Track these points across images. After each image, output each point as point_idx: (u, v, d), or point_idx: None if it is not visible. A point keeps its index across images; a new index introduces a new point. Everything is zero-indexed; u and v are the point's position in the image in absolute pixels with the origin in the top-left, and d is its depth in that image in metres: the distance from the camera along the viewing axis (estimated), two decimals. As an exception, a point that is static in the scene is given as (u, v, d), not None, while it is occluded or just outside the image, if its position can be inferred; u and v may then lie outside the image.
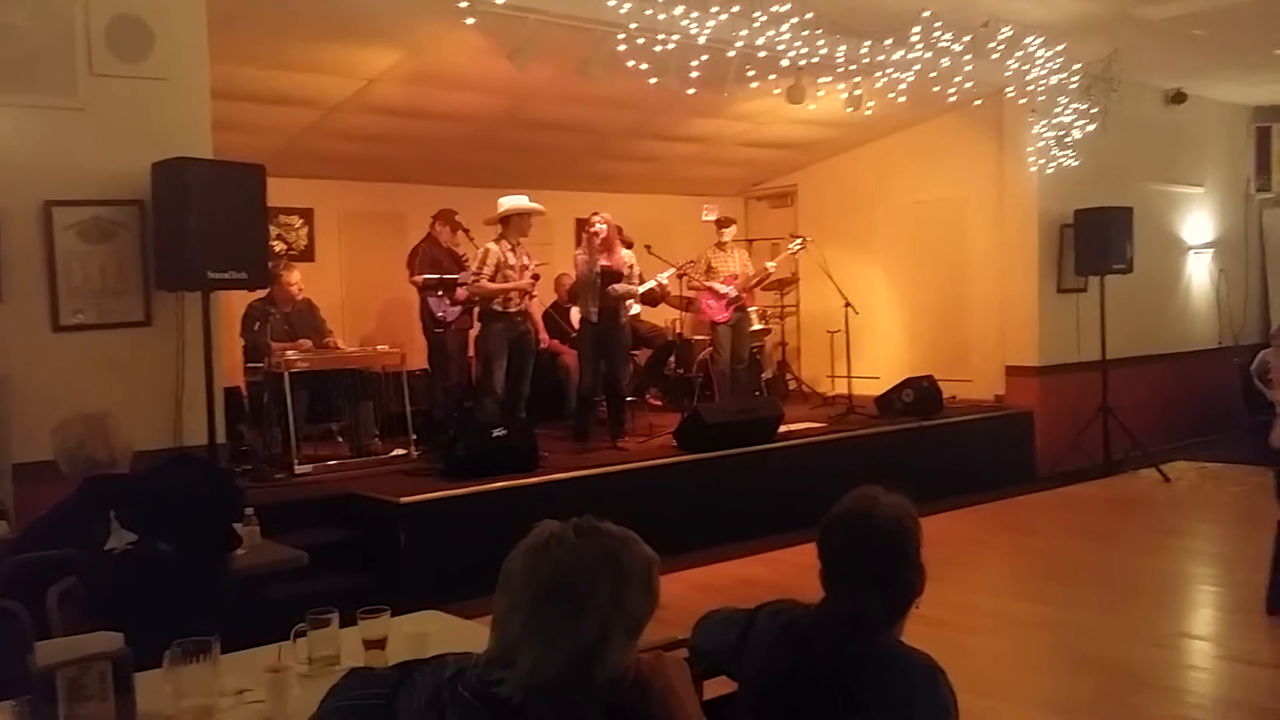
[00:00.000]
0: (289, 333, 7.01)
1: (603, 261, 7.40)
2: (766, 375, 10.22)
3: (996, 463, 8.76)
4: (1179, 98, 10.27)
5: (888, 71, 7.80)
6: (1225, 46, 8.64)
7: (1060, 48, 8.27)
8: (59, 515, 3.02)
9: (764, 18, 6.75)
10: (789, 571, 5.78)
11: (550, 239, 9.46)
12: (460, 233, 7.95)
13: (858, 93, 7.87)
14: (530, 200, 7.33)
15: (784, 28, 6.91)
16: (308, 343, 6.97)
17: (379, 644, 2.45)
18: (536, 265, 7.38)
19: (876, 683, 1.98)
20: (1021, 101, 8.77)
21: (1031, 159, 9.02)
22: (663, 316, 9.87)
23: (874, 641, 2.02)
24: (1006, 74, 8.43)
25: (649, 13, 6.42)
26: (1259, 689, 4.48)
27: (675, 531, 5.89)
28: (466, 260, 7.72)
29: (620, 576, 1.50)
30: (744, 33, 6.85)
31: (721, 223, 8.90)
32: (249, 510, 3.89)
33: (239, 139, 6.62)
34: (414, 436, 7.09)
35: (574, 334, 8.42)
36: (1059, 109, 8.88)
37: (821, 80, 7.75)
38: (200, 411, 5.12)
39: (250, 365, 6.94)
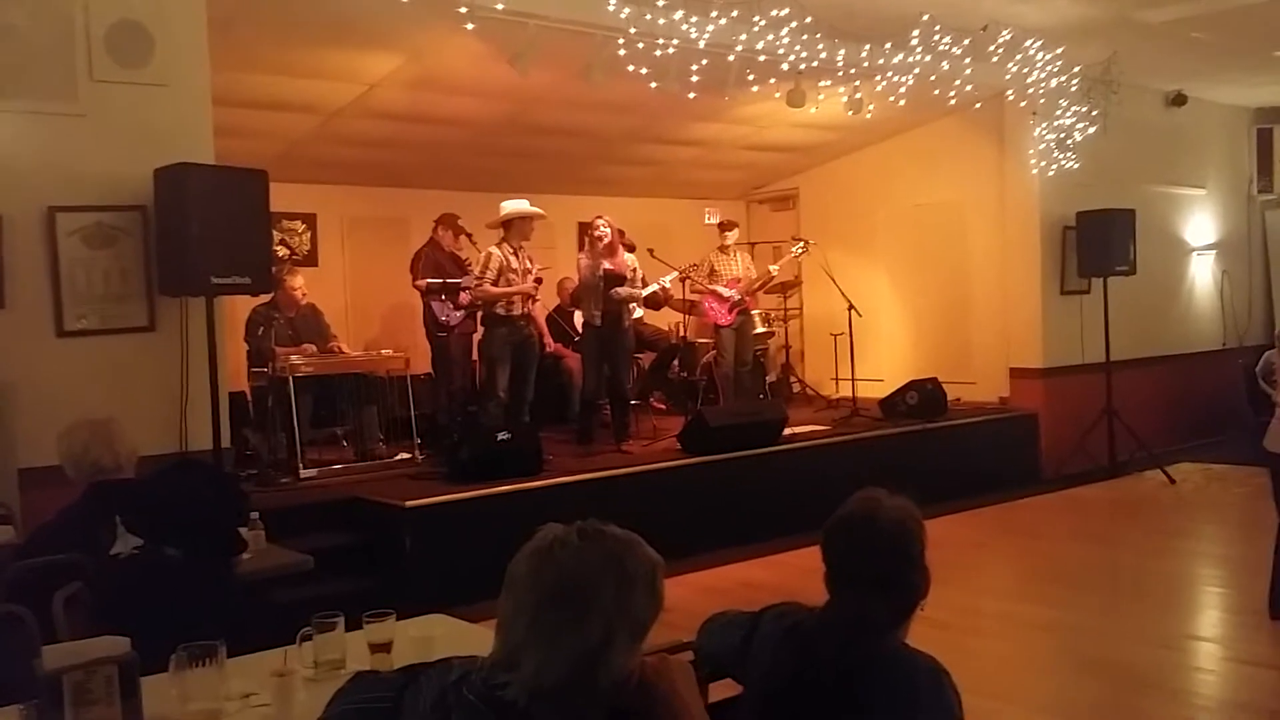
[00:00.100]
0: (293, 338, 7.02)
1: (606, 265, 7.40)
2: (770, 378, 10.23)
3: (1001, 465, 8.75)
4: (1179, 100, 10.27)
5: (888, 75, 7.81)
6: (1225, 49, 8.64)
7: (1059, 51, 8.28)
8: (65, 520, 3.03)
9: (763, 22, 6.76)
10: (793, 574, 5.78)
11: (553, 243, 9.47)
12: (463, 237, 7.96)
13: (858, 96, 7.88)
14: (532, 204, 7.34)
15: (783, 32, 6.92)
16: (312, 347, 6.97)
17: (384, 648, 2.46)
18: (539, 269, 7.39)
19: (881, 685, 1.98)
20: (1022, 104, 8.77)
21: (1033, 161, 9.02)
22: (666, 320, 9.87)
23: (878, 644, 2.02)
24: (1006, 77, 8.44)
25: (649, 17, 6.43)
26: (1265, 691, 4.47)
27: (680, 534, 5.90)
28: (469, 264, 7.73)
29: (624, 580, 1.50)
30: (744, 37, 6.86)
31: (724, 226, 8.91)
32: (254, 514, 3.89)
33: (241, 144, 6.64)
34: (418, 440, 7.10)
35: (577, 338, 8.43)
36: (1059, 112, 8.88)
37: (822, 84, 7.75)
38: (205, 416, 5.13)
39: (255, 370, 6.96)
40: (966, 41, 7.64)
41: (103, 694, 2.01)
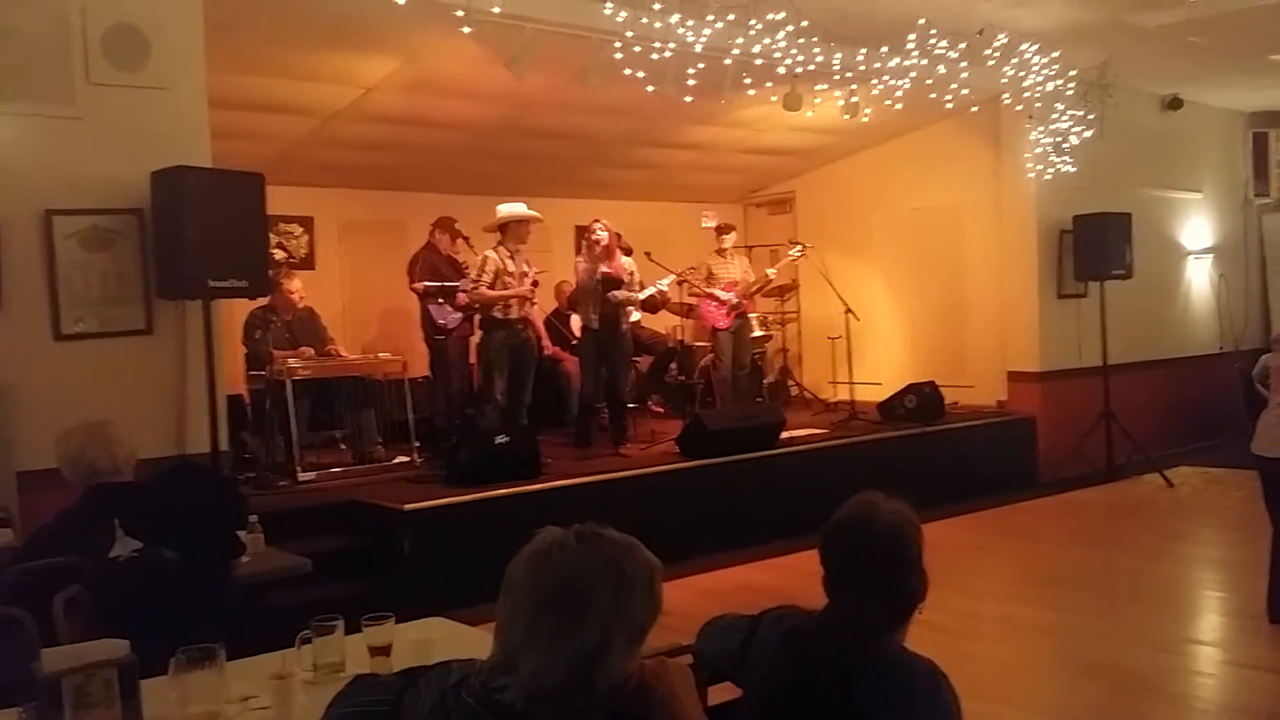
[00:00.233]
0: (290, 341, 7.02)
1: (603, 269, 7.41)
2: (768, 381, 10.24)
3: (999, 468, 8.76)
4: (1175, 104, 10.29)
5: (884, 79, 7.82)
6: (1220, 53, 8.66)
7: (1055, 54, 8.29)
8: (63, 523, 3.03)
9: (760, 26, 6.76)
10: (792, 577, 5.78)
11: (550, 246, 9.47)
12: (460, 240, 7.97)
13: (854, 100, 7.88)
14: (529, 208, 7.35)
15: (780, 35, 6.92)
16: (309, 350, 6.97)
17: (384, 651, 2.46)
18: (536, 272, 7.38)
19: (879, 689, 1.98)
20: (1018, 108, 8.78)
21: (1029, 165, 9.03)
22: (664, 323, 9.88)
23: (876, 647, 2.02)
24: (1002, 81, 8.45)
25: (645, 21, 6.43)
26: (1264, 695, 4.47)
27: (678, 538, 5.90)
28: (466, 267, 7.73)
29: (623, 583, 1.50)
30: (740, 41, 6.87)
31: (722, 229, 8.91)
32: (252, 517, 3.89)
33: (238, 147, 6.63)
34: (416, 443, 7.10)
35: (575, 341, 8.43)
36: (1055, 115, 8.89)
37: (818, 87, 7.76)
38: (202, 419, 5.13)
39: (252, 373, 6.95)
40: (962, 45, 7.64)
41: (102, 697, 2.01)
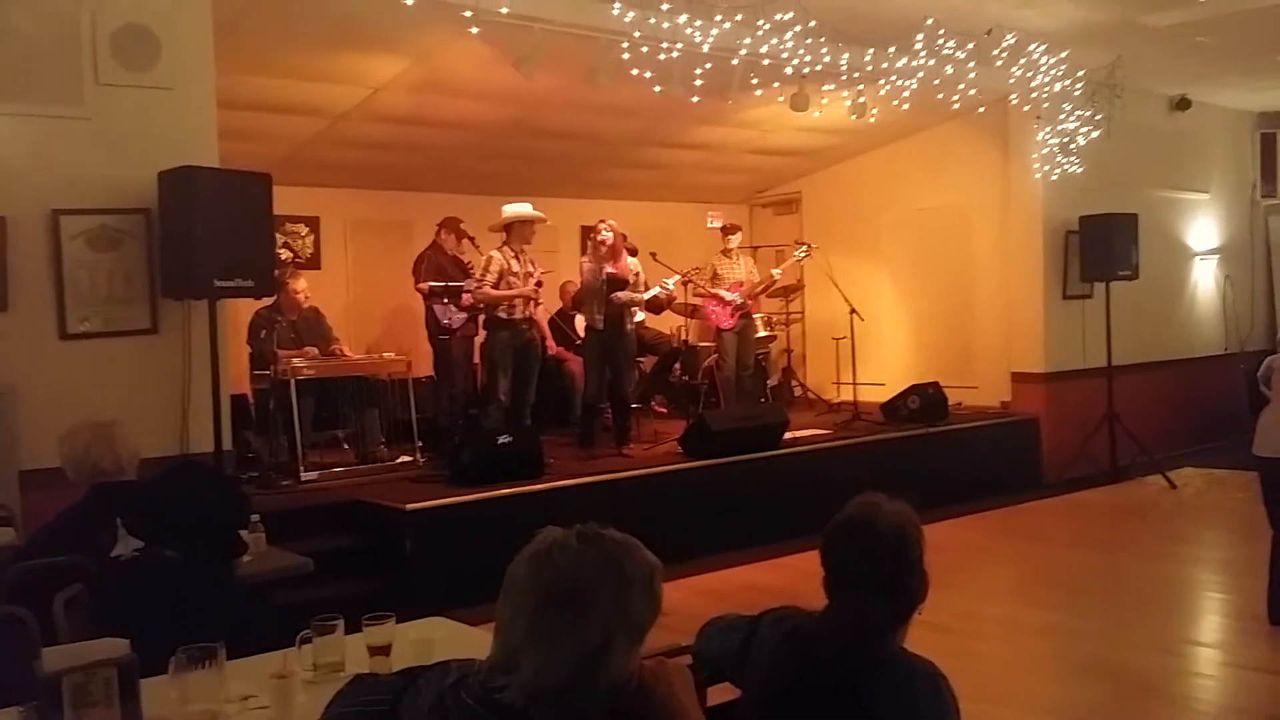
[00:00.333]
0: (295, 340, 7.03)
1: (608, 269, 7.41)
2: (772, 382, 10.23)
3: (1002, 469, 8.75)
4: (1184, 104, 10.26)
5: (891, 79, 7.82)
6: (1229, 53, 8.64)
7: (1064, 55, 8.28)
8: (66, 522, 3.04)
9: (767, 26, 6.76)
10: (795, 578, 5.76)
11: (556, 246, 9.47)
12: (465, 240, 7.97)
13: (862, 100, 7.87)
14: (535, 208, 7.35)
15: (787, 36, 6.92)
16: (314, 350, 6.98)
17: (384, 650, 2.46)
18: (541, 272, 7.38)
19: (879, 689, 1.98)
20: (1026, 109, 8.77)
21: (1036, 166, 9.02)
22: (668, 324, 9.88)
23: (877, 648, 2.02)
24: (1010, 81, 8.44)
25: (653, 21, 6.43)
26: (1264, 696, 4.47)
27: (681, 538, 5.90)
28: (472, 268, 7.74)
29: (623, 583, 1.50)
30: (748, 41, 6.87)
31: (727, 230, 8.91)
32: (255, 517, 3.89)
33: (245, 148, 6.65)
34: (420, 443, 7.11)
35: (579, 341, 8.43)
36: (1063, 116, 8.88)
37: (825, 88, 7.75)
38: (206, 419, 5.14)
39: (257, 373, 6.96)
40: (970, 45, 7.64)
41: (102, 696, 2.01)
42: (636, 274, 7.59)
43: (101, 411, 3.44)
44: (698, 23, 6.59)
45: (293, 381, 6.57)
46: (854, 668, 2.00)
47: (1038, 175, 9.04)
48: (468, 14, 5.79)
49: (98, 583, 2.83)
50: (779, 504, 7.01)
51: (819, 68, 7.39)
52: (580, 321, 8.30)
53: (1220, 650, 5.10)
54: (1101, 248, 8.96)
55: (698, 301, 8.86)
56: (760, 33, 6.83)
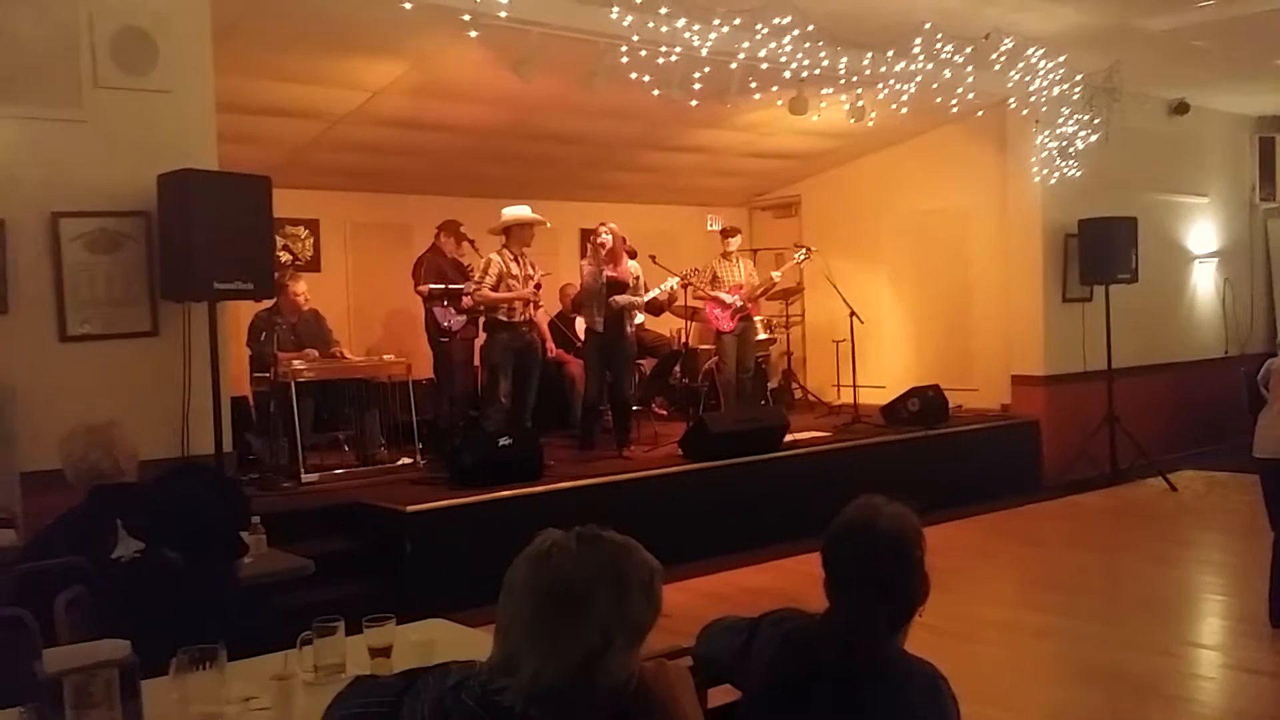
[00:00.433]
0: (295, 343, 7.03)
1: (608, 272, 7.42)
2: (772, 384, 10.23)
3: (1002, 472, 8.75)
4: (1182, 108, 10.27)
5: (890, 82, 7.82)
6: (1226, 57, 8.65)
7: (1062, 59, 8.29)
8: (67, 524, 3.04)
9: (766, 30, 6.77)
10: (795, 580, 5.78)
11: (555, 249, 9.48)
12: (465, 243, 7.98)
13: (860, 104, 7.88)
14: (534, 211, 7.36)
15: (786, 39, 6.93)
16: (314, 352, 6.98)
17: (384, 652, 2.46)
18: (540, 275, 7.39)
19: (879, 691, 1.98)
20: (1024, 112, 8.78)
21: (1035, 169, 9.03)
22: (668, 326, 9.89)
23: (878, 650, 2.02)
24: (1009, 85, 8.45)
25: (651, 25, 6.44)
26: (1265, 699, 4.46)
27: (681, 540, 5.90)
28: (471, 270, 7.74)
29: (622, 584, 1.51)
30: (746, 44, 6.87)
31: (727, 232, 8.92)
32: (255, 519, 3.90)
33: (245, 151, 6.65)
34: (420, 445, 7.11)
35: (579, 344, 8.43)
36: (1062, 120, 8.89)
37: (824, 91, 7.76)
38: (207, 421, 5.14)
39: (257, 375, 6.97)
40: (969, 49, 7.64)
41: (103, 697, 2.01)
42: (637, 277, 7.60)
43: (101, 413, 3.43)
44: (696, 26, 6.60)
45: (293, 383, 6.57)
46: (855, 670, 1.99)
47: (1036, 179, 9.05)
48: (466, 17, 5.80)
49: (99, 584, 2.83)
50: (779, 506, 7.02)
51: (817, 71, 7.40)
52: (580, 324, 8.31)
53: (1221, 652, 5.10)
54: (1101, 251, 8.97)
55: (698, 304, 8.86)
56: (759, 36, 6.84)
